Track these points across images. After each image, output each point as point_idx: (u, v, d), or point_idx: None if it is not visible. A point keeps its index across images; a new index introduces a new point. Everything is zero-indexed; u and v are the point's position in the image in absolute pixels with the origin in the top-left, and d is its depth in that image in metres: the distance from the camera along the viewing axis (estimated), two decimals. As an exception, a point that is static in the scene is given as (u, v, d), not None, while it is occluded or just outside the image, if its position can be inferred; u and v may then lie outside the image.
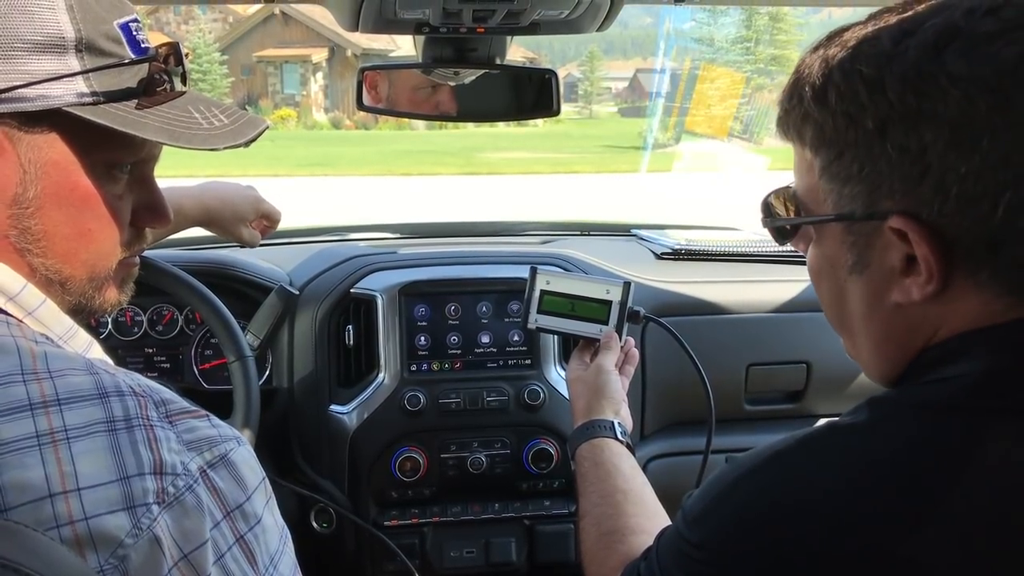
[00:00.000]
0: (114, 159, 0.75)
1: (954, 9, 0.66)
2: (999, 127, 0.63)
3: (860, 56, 0.69)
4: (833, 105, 0.70)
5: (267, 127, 0.83)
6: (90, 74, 0.71)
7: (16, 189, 0.70)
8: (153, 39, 0.78)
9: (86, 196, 0.73)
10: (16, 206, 0.70)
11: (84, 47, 0.70)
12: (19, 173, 0.70)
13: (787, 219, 0.80)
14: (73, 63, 0.70)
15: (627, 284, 1.40)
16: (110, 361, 0.73)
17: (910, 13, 0.69)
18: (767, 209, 0.82)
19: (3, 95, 0.67)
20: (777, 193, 0.81)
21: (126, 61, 0.73)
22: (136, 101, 0.74)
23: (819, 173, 0.73)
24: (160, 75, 0.76)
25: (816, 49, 0.74)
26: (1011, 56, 0.63)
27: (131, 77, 0.74)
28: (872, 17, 0.72)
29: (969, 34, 0.64)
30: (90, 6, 0.71)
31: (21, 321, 0.69)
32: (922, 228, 0.66)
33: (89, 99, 0.71)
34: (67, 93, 0.70)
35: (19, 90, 0.67)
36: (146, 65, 0.75)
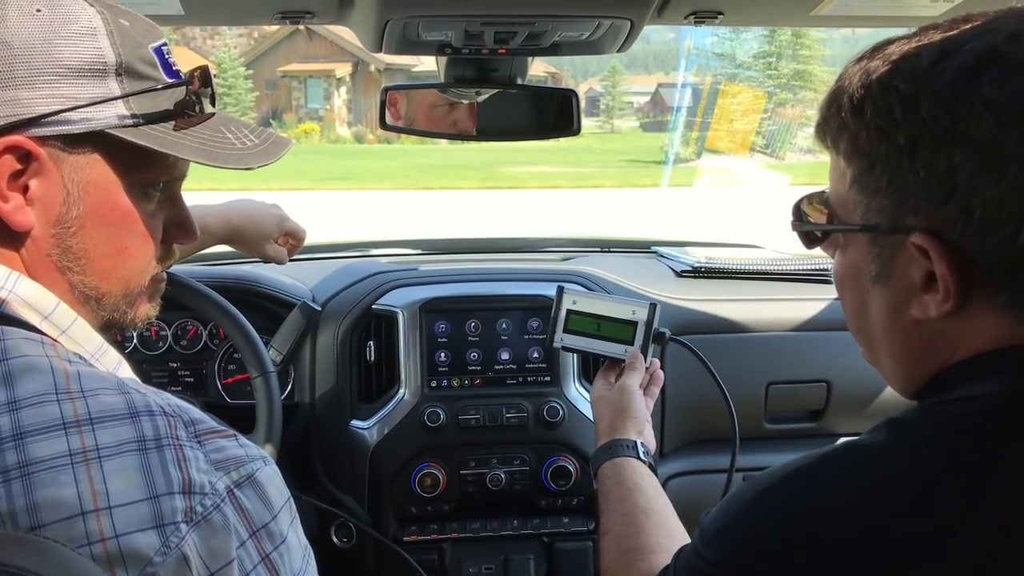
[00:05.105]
0: (150, 179, 0.78)
1: (997, 33, 0.67)
2: None
3: (898, 72, 0.69)
4: (868, 118, 0.70)
5: (292, 144, 0.87)
6: (130, 97, 0.73)
7: (60, 209, 0.72)
8: (181, 60, 0.81)
9: (125, 215, 0.76)
10: (59, 226, 0.73)
11: (124, 71, 0.73)
12: (63, 193, 0.72)
13: (815, 224, 0.81)
14: (114, 87, 0.73)
15: (653, 305, 1.40)
16: (138, 380, 0.74)
17: (954, 32, 0.69)
18: (798, 213, 0.83)
19: (50, 118, 0.70)
20: (810, 198, 0.82)
21: (162, 85, 0.76)
22: (174, 123, 0.77)
23: (850, 183, 0.74)
24: (193, 97, 0.79)
25: (860, 60, 0.74)
26: None
27: (167, 100, 0.77)
28: (918, 32, 0.73)
29: (1009, 60, 0.65)
30: (128, 31, 0.74)
31: (56, 340, 0.71)
32: (943, 247, 0.67)
33: (130, 121, 0.73)
34: (109, 116, 0.72)
35: (65, 113, 0.70)
36: (182, 88, 0.78)
